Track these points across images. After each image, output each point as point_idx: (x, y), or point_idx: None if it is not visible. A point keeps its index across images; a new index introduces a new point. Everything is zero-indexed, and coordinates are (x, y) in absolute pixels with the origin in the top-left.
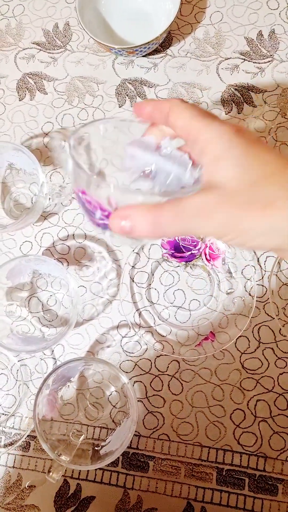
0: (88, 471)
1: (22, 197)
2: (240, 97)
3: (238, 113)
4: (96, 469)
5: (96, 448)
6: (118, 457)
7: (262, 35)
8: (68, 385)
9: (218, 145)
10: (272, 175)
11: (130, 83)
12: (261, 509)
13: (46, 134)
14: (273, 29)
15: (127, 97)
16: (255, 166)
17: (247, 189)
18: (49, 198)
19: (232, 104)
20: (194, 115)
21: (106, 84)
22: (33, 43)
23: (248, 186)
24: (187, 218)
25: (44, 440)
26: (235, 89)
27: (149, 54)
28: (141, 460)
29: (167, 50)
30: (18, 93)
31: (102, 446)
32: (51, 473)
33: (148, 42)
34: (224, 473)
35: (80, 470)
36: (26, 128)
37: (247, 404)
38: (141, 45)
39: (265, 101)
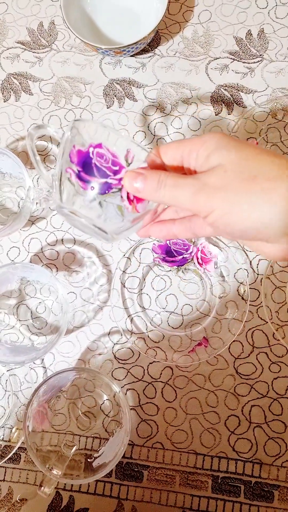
0: None
1: (9, 201)
2: (230, 98)
3: (228, 114)
4: None
5: (89, 459)
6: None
7: (251, 34)
8: (59, 395)
9: (211, 144)
10: (259, 154)
11: (118, 83)
12: None
13: None
14: (262, 28)
15: (115, 97)
16: (243, 153)
17: (237, 168)
18: (37, 203)
19: (222, 104)
20: (179, 141)
21: (93, 85)
22: (18, 42)
23: (238, 165)
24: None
25: (35, 454)
26: (225, 89)
27: (137, 53)
28: (135, 469)
29: (155, 49)
30: (2, 94)
31: (95, 458)
32: (42, 488)
33: (136, 42)
34: (219, 481)
35: None
36: (12, 130)
37: (242, 410)
38: (129, 45)
39: (255, 102)
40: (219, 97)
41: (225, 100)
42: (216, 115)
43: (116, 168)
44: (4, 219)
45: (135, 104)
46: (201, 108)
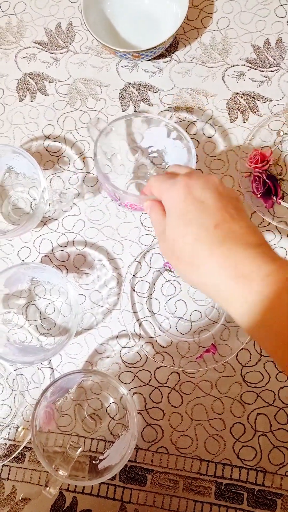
0: None
1: (21, 201)
2: (246, 106)
3: (244, 122)
4: None
5: (94, 461)
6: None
7: (269, 43)
8: (66, 396)
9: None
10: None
11: (134, 87)
12: None
13: (47, 137)
14: (280, 37)
15: (130, 101)
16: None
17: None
18: (49, 204)
19: (237, 112)
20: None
21: (109, 88)
22: (35, 42)
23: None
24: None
25: (41, 454)
26: (241, 97)
27: (154, 58)
28: (139, 473)
29: (172, 54)
30: (18, 93)
31: (100, 460)
32: (48, 488)
33: (155, 47)
34: (222, 488)
35: None
36: (26, 130)
37: (247, 418)
38: (148, 49)
39: (270, 111)
40: (234, 105)
41: (240, 108)
42: (231, 122)
43: None
44: (16, 219)
45: (150, 108)
46: (216, 115)
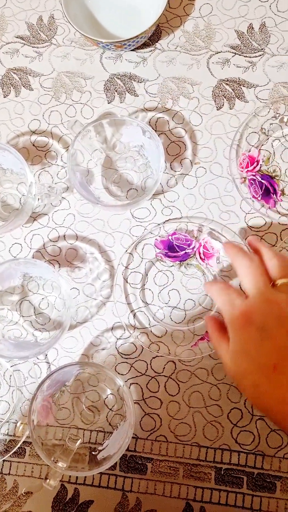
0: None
1: (10, 197)
2: (232, 92)
3: (230, 109)
4: None
5: (93, 452)
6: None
7: (252, 28)
8: (63, 390)
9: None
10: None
11: (118, 78)
12: (259, 507)
13: (33, 132)
14: (264, 21)
15: (116, 92)
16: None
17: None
18: (38, 199)
19: (223, 99)
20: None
21: (94, 80)
22: (17, 37)
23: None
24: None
25: (40, 447)
26: (226, 84)
27: (138, 48)
28: (139, 462)
29: (156, 44)
30: (2, 89)
31: (100, 451)
32: (48, 480)
33: (137, 36)
34: (222, 472)
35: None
36: (12, 126)
37: (244, 403)
38: (130, 39)
39: (256, 96)
40: (220, 92)
41: (226, 94)
42: (217, 109)
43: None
44: (6, 215)
45: (136, 99)
46: (202, 103)
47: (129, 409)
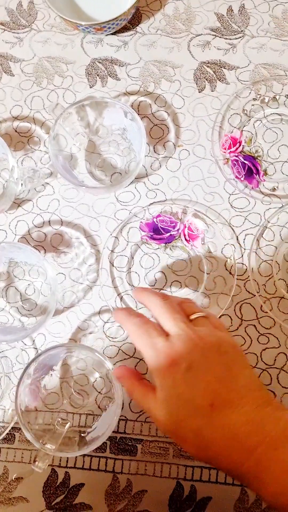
0: (76, 458)
1: None
2: (213, 74)
3: (211, 91)
4: (84, 456)
5: (82, 434)
6: (106, 442)
7: (232, 10)
8: (51, 374)
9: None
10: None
11: (100, 62)
12: None
13: (15, 118)
14: (243, 4)
15: (97, 77)
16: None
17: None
18: (21, 184)
19: (205, 81)
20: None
21: (75, 64)
22: None
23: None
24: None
25: (28, 430)
26: (207, 66)
27: (119, 31)
28: (129, 444)
29: (137, 27)
30: None
31: (89, 433)
32: (36, 463)
33: (116, 18)
34: None
35: (67, 458)
36: None
37: None
38: (109, 20)
39: (237, 78)
40: (202, 74)
41: (208, 77)
42: (199, 92)
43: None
44: None
45: (118, 83)
46: (184, 86)
47: (117, 391)
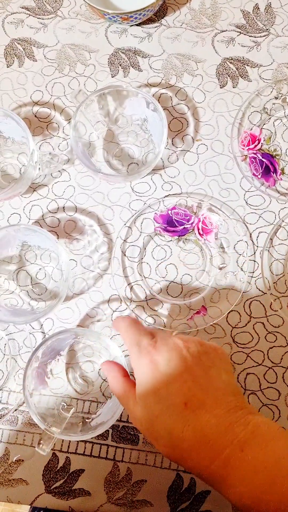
0: (77, 444)
1: (10, 167)
2: (236, 71)
3: (233, 87)
4: (85, 442)
5: (87, 420)
6: (108, 430)
7: (258, 8)
8: (58, 359)
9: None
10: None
11: (123, 52)
12: None
13: (36, 103)
14: (270, 2)
15: (120, 67)
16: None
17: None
18: (39, 168)
19: (227, 77)
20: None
21: (98, 53)
22: (22, 8)
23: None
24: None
25: (34, 412)
26: (230, 63)
27: (143, 23)
28: (131, 433)
29: (162, 20)
30: (6, 59)
31: (93, 418)
32: (41, 445)
33: (143, 8)
34: None
35: (69, 444)
36: (14, 96)
37: (237, 377)
38: (136, 11)
39: (260, 76)
40: (224, 70)
41: (230, 73)
42: (221, 87)
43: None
44: (5, 185)
45: (140, 74)
46: (206, 80)
47: None
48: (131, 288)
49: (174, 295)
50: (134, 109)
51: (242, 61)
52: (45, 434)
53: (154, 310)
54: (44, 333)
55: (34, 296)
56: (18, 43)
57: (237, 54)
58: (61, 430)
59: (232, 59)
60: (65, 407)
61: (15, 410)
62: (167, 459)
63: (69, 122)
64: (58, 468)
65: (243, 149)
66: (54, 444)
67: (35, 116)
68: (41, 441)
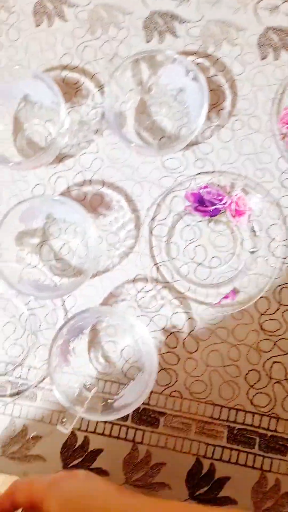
0: (96, 424)
1: (36, 135)
2: (278, 42)
3: (275, 60)
4: (105, 423)
5: (109, 400)
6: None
7: None
8: (81, 337)
9: None
10: None
11: (160, 16)
12: (270, 468)
13: (64, 67)
14: None
15: (155, 31)
16: None
17: None
18: (68, 137)
19: (269, 49)
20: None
21: (132, 16)
22: None
23: None
24: None
25: (58, 389)
26: (274, 33)
27: None
28: (152, 416)
29: None
30: (34, 18)
31: (116, 400)
32: (64, 424)
33: None
34: (235, 432)
35: (88, 423)
36: (43, 58)
37: (263, 366)
38: None
39: None
40: (266, 41)
41: (272, 44)
42: (261, 60)
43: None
44: (31, 153)
45: (176, 41)
46: (246, 51)
47: (149, 361)
48: (158, 268)
49: (202, 278)
50: (171, 78)
51: (286, 32)
52: (68, 413)
53: (180, 293)
54: (66, 310)
55: (57, 272)
56: (48, 1)
57: (281, 24)
58: (84, 409)
59: (275, 29)
60: (88, 386)
61: (35, 386)
62: (187, 443)
63: (99, 89)
64: (76, 446)
65: (282, 127)
66: (79, 417)
67: (63, 81)
68: (64, 420)
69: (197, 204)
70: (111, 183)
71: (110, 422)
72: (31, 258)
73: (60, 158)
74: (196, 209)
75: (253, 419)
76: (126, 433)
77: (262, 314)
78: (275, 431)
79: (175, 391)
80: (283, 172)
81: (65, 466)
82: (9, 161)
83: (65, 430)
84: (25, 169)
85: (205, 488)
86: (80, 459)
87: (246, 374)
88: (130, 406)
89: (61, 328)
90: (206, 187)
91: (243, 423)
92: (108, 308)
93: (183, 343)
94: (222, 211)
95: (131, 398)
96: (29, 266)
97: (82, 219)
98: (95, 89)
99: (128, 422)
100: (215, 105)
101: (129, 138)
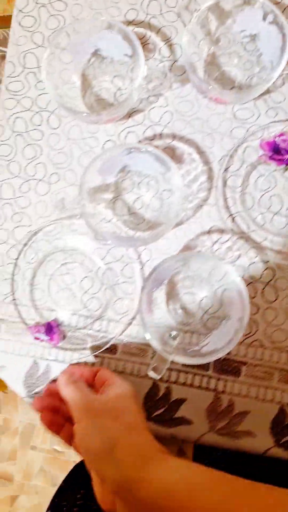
0: (178, 374)
1: (104, 91)
2: None
3: None
4: (186, 373)
5: (195, 347)
6: (209, 362)
7: None
8: (161, 288)
9: None
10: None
11: None
12: None
13: (130, 23)
14: None
15: None
16: None
17: None
18: (148, 88)
19: None
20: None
21: None
22: None
23: None
24: None
25: (148, 331)
26: None
27: None
28: (233, 365)
29: None
30: None
31: (202, 347)
32: (156, 369)
33: None
34: None
35: (169, 374)
36: (107, 15)
37: None
38: None
39: None
40: None
41: None
42: None
43: None
44: (100, 109)
45: None
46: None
47: (242, 302)
48: (233, 219)
49: (279, 227)
50: (245, 24)
51: None
52: (159, 358)
53: (257, 243)
54: (142, 263)
55: (131, 226)
56: None
57: None
58: (173, 354)
59: None
60: (173, 335)
61: (115, 338)
62: (270, 392)
63: (166, 43)
64: (159, 396)
65: None
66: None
67: None
68: (155, 364)
69: (272, 153)
70: (182, 136)
71: (191, 372)
72: (105, 213)
73: (130, 113)
74: (271, 158)
75: None
76: (208, 383)
77: None
78: None
79: (255, 340)
80: None
81: (149, 415)
82: (83, 112)
83: (157, 376)
84: (99, 122)
85: None
86: (163, 409)
87: None
88: (220, 351)
89: (148, 277)
90: (282, 134)
91: None
92: (190, 252)
93: (262, 293)
94: None
95: (220, 343)
96: (104, 221)
97: (165, 168)
98: (161, 42)
99: (209, 372)
100: None
101: (205, 85)
